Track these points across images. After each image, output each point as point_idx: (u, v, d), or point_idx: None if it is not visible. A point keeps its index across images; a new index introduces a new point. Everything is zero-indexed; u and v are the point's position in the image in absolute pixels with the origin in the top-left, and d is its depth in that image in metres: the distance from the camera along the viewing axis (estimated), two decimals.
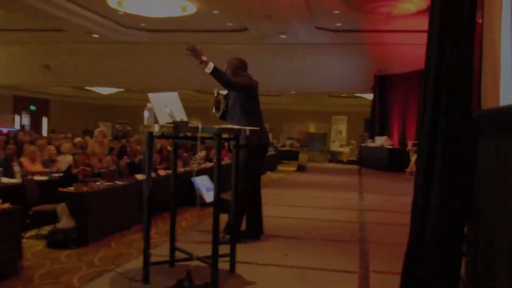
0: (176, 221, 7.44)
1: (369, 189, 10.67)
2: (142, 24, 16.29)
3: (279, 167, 20.00)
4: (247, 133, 3.89)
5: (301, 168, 17.25)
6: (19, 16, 14.88)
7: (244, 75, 5.23)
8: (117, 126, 11.39)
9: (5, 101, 23.51)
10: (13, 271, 5.64)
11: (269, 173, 18.22)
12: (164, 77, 18.74)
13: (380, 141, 16.81)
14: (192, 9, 13.97)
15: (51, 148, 9.93)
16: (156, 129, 3.74)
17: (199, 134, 3.60)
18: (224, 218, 5.53)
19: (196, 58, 4.54)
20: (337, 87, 18.90)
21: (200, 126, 3.56)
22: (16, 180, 7.77)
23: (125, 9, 14.06)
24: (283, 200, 8.58)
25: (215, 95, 5.10)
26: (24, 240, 7.10)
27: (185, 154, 12.34)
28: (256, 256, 4.61)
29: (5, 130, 19.64)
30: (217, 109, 5.20)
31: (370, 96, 19.30)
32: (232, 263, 4.04)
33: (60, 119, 26.84)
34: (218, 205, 3.53)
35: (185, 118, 3.71)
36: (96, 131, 11.02)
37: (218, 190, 3.55)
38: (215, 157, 3.59)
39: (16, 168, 8.21)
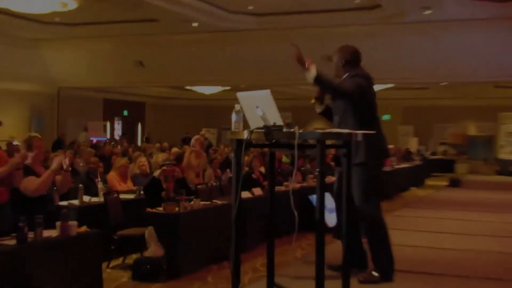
0: (286, 250, 7.57)
1: None
2: (250, 7, 16.61)
3: (428, 181, 19.51)
4: (359, 138, 3.86)
5: (454, 183, 16.74)
6: (105, 6, 15.83)
7: (355, 74, 5.17)
8: (201, 133, 11.82)
9: (95, 105, 25.08)
10: None
11: (413, 189, 17.85)
12: (278, 70, 18.98)
13: None
14: None
15: (142, 160, 10.41)
16: (245, 135, 3.83)
17: (296, 141, 3.62)
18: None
19: (299, 62, 4.68)
20: (505, 75, 17.98)
21: (297, 131, 3.60)
22: (99, 199, 8.24)
23: None
24: (424, 225, 8.37)
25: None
26: (107, 270, 7.57)
27: (308, 165, 12.45)
28: None
29: (94, 140, 21.08)
30: (319, 100, 5.17)
31: None
32: None
33: (157, 125, 28.27)
34: (320, 231, 3.54)
35: (279, 121, 3.77)
36: (193, 139, 11.44)
37: (321, 212, 3.56)
38: (317, 170, 3.61)
39: (100, 185, 8.72)
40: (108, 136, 25.01)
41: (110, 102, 26.10)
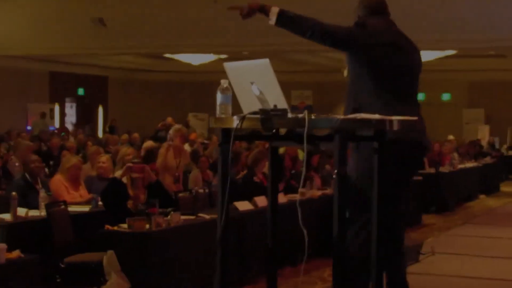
0: (302, 283, 7.60)
1: None
2: None
3: (503, 187, 19.49)
4: (396, 126, 3.86)
5: None
6: None
7: (359, 23, 5.05)
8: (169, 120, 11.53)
9: (37, 81, 25.19)
10: None
11: (482, 197, 17.82)
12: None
13: None
14: None
15: (102, 159, 10.40)
16: (235, 123, 3.84)
17: (306, 131, 3.62)
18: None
19: (253, 12, 4.59)
20: None
21: (306, 116, 3.60)
22: (40, 212, 8.25)
23: None
24: (494, 248, 8.38)
25: None
26: None
27: (327, 166, 12.45)
28: None
29: (36, 130, 21.15)
30: None
31: None
32: None
33: (125, 110, 28.39)
34: (339, 257, 3.56)
35: (282, 104, 3.76)
36: (173, 130, 11.46)
37: (340, 232, 3.58)
38: (335, 171, 3.61)
39: (42, 193, 8.71)
40: (57, 124, 25.00)
41: (59, 77, 26.25)
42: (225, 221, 3.96)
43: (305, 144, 3.67)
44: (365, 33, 4.91)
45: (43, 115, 23.04)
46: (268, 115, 3.74)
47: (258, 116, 3.79)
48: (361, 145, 4.78)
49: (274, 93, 3.85)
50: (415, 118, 4.63)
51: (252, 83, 3.90)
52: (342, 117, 3.80)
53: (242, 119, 3.84)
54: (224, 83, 4.02)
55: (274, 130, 3.96)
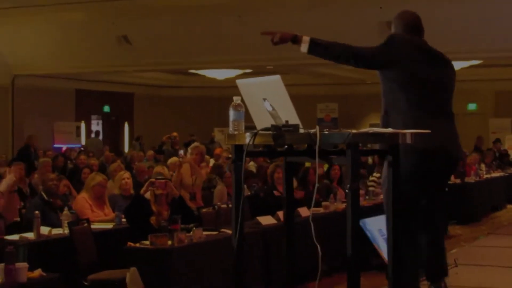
0: None
1: None
2: None
3: None
4: (409, 139, 3.85)
5: None
6: None
7: (388, 42, 5.14)
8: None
9: (64, 99, 25.27)
10: None
11: (510, 206, 17.68)
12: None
13: None
14: None
15: (126, 175, 10.41)
16: (247, 139, 3.85)
17: (318, 146, 3.62)
18: None
19: (285, 42, 4.75)
20: None
21: (318, 132, 3.60)
22: (63, 230, 8.28)
23: None
24: None
25: None
26: None
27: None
28: None
29: (64, 147, 21.26)
30: None
31: None
32: None
33: (150, 126, 28.38)
34: (354, 272, 3.55)
35: (294, 119, 3.77)
36: (191, 147, 11.49)
37: (354, 247, 3.57)
38: (348, 186, 3.61)
39: (65, 212, 8.74)
40: (83, 142, 25.07)
41: (85, 95, 26.33)
42: (240, 236, 3.96)
43: (317, 159, 3.68)
44: (392, 51, 5.02)
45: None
46: (279, 131, 3.75)
47: (270, 132, 3.80)
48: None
49: (286, 109, 3.86)
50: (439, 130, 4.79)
51: (264, 100, 3.92)
52: (354, 131, 3.79)
53: (254, 135, 3.85)
54: (236, 99, 4.03)
55: (286, 146, 3.96)
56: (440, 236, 5.91)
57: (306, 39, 4.67)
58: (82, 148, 20.64)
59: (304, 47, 4.66)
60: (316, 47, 4.70)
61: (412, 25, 5.32)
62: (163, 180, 8.83)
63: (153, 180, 8.78)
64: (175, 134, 19.99)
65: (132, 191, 10.01)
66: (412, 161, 4.98)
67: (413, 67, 5.00)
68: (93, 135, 24.31)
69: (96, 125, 27.36)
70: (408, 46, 5.10)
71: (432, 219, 5.62)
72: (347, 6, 18.04)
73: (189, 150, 11.40)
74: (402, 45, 5.08)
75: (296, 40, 4.73)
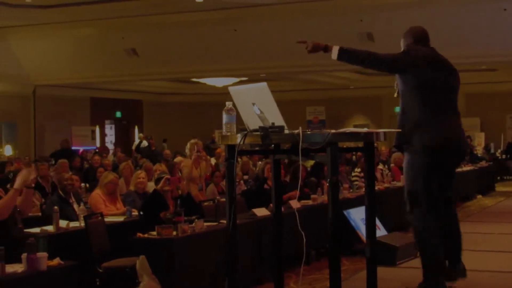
0: (314, 279, 7.59)
1: None
2: None
3: (498, 187, 19.34)
4: (382, 138, 3.90)
5: None
6: None
7: (405, 51, 5.54)
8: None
9: (79, 107, 25.38)
10: None
11: (479, 197, 17.71)
12: (306, 54, 18.90)
13: None
14: None
15: (142, 174, 10.40)
16: (238, 139, 3.88)
17: (300, 145, 3.65)
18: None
19: (317, 50, 5.03)
20: None
21: (300, 132, 3.63)
22: (79, 223, 8.31)
23: None
24: (489, 243, 8.33)
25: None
26: None
27: (344, 171, 12.44)
28: None
29: (81, 150, 21.24)
30: None
31: None
32: None
33: (158, 129, 28.30)
34: (334, 254, 3.57)
35: (280, 121, 3.79)
36: (189, 144, 11.50)
37: (335, 235, 3.59)
38: (329, 180, 3.64)
39: (81, 206, 8.77)
40: (98, 144, 25.07)
41: (98, 102, 26.33)
42: (233, 223, 3.99)
43: (300, 157, 3.72)
44: (409, 58, 5.53)
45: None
46: (266, 132, 3.78)
47: (258, 132, 3.83)
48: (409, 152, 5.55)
49: (272, 112, 3.88)
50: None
51: (253, 104, 3.94)
52: (333, 131, 3.84)
53: (245, 136, 3.88)
54: (228, 104, 4.07)
55: (272, 145, 3.99)
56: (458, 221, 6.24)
57: (336, 47, 4.98)
58: (97, 150, 20.60)
59: (334, 55, 4.98)
60: (345, 54, 5.03)
61: (420, 37, 5.77)
62: (176, 177, 8.92)
63: (169, 177, 8.88)
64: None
65: (146, 189, 10.04)
66: (425, 155, 5.31)
67: (426, 72, 5.39)
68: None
69: (110, 129, 27.38)
70: (421, 55, 5.52)
71: (450, 206, 5.92)
72: (331, 18, 18.02)
73: (189, 146, 11.43)
74: (416, 54, 5.52)
75: (327, 49, 5.03)
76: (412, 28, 5.91)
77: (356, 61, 5.25)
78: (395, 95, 5.77)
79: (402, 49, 5.74)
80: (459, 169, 17.55)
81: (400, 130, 5.04)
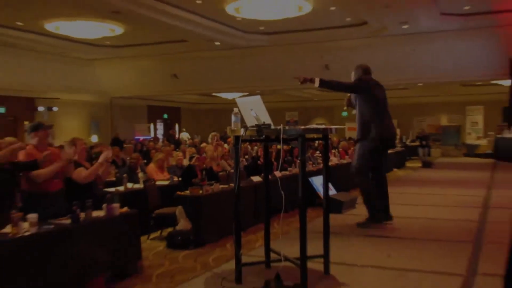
0: (290, 222, 7.58)
1: (501, 185, 9.92)
2: (261, 28, 16.62)
3: (408, 164, 19.36)
4: (334, 131, 3.89)
5: (426, 164, 16.53)
6: (145, 31, 15.98)
7: (360, 79, 5.57)
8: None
9: (140, 111, 25.29)
10: (133, 270, 6.10)
11: (395, 170, 17.72)
12: (286, 78, 18.87)
13: None
14: (308, 8, 13.89)
15: (179, 154, 10.42)
16: (242, 132, 3.86)
17: (282, 136, 3.64)
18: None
19: (306, 82, 5.07)
20: (468, 75, 17.79)
21: (281, 128, 3.62)
22: (140, 185, 8.32)
23: (243, 14, 14.40)
24: (401, 199, 8.29)
25: (349, 94, 5.51)
26: (147, 241, 7.66)
27: (309, 154, 12.46)
28: (355, 257, 4.55)
29: (141, 138, 21.21)
30: (351, 106, 5.62)
31: (507, 83, 17.95)
32: (326, 264, 4.03)
33: (191, 126, 28.36)
34: (303, 206, 3.56)
35: (268, 121, 3.79)
36: (211, 135, 11.48)
37: (303, 193, 3.58)
38: (299, 158, 3.62)
39: (140, 174, 8.80)
40: (152, 135, 25.08)
41: (152, 108, 26.24)
42: (238, 186, 3.98)
43: (281, 143, 3.71)
44: (363, 84, 5.48)
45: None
46: (260, 128, 3.76)
47: (255, 128, 3.82)
48: (359, 142, 5.76)
49: (264, 115, 3.86)
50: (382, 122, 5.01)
51: (251, 110, 3.93)
52: (302, 127, 3.82)
53: (246, 130, 3.87)
54: (235, 110, 4.05)
55: (263, 136, 3.98)
56: (387, 184, 6.34)
57: (317, 79, 5.05)
58: (151, 139, 20.56)
59: (316, 84, 5.06)
60: (324, 83, 5.20)
61: (366, 70, 5.85)
62: (203, 157, 8.93)
63: (198, 156, 8.91)
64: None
65: (183, 164, 10.02)
66: (375, 142, 5.36)
67: (373, 91, 5.36)
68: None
69: (159, 126, 27.25)
70: (369, 81, 5.53)
71: (382, 175, 6.00)
72: (303, 55, 18.04)
73: (210, 136, 11.46)
74: (366, 81, 5.54)
75: (312, 81, 5.09)
76: (361, 65, 5.93)
77: (331, 87, 5.36)
78: (344, 108, 5.83)
79: (355, 78, 5.81)
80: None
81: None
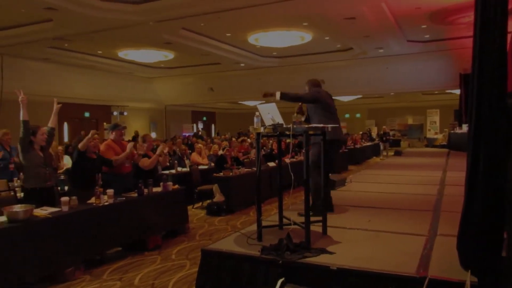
0: (298, 196, 7.55)
1: (454, 168, 9.73)
2: (274, 53, 16.56)
3: (383, 153, 19.11)
4: (329, 129, 3.84)
5: (397, 153, 16.36)
6: (189, 56, 16.05)
7: (313, 90, 5.05)
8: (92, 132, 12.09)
9: (186, 115, 25.38)
10: (183, 231, 6.17)
11: (374, 157, 17.54)
12: (292, 90, 18.81)
13: (467, 128, 15.24)
14: (308, 38, 13.92)
15: (215, 146, 10.46)
16: (262, 130, 3.84)
17: (291, 132, 3.61)
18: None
19: (270, 96, 4.56)
20: (428, 86, 17.57)
21: (291, 126, 3.59)
22: (187, 169, 8.36)
23: (261, 43, 14.45)
24: (377, 179, 8.22)
25: (300, 103, 4.97)
26: (192, 210, 7.71)
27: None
28: (345, 222, 4.51)
29: (186, 135, 21.28)
30: (301, 113, 5.03)
31: (458, 91, 17.65)
32: (324, 227, 4.00)
33: (224, 125, 28.39)
34: (307, 186, 3.53)
35: (281, 121, 3.76)
36: (237, 133, 11.39)
37: (307, 174, 3.55)
38: (304, 149, 3.59)
39: (187, 161, 8.83)
40: (194, 130, 25.17)
41: (195, 113, 26.17)
42: (259, 170, 3.94)
43: (291, 138, 3.66)
44: (316, 95, 4.90)
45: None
46: (275, 126, 3.73)
47: (271, 127, 3.79)
48: (314, 141, 4.86)
49: (278, 117, 3.82)
50: (336, 125, 4.69)
51: (268, 113, 3.89)
52: (308, 125, 3.77)
53: (264, 128, 3.83)
54: (257, 113, 4.01)
55: (278, 132, 3.92)
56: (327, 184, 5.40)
57: (278, 92, 4.45)
58: (193, 135, 20.62)
59: (278, 97, 4.45)
60: (284, 96, 4.49)
61: (317, 83, 5.14)
62: (231, 148, 8.89)
63: (228, 148, 8.88)
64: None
65: (218, 153, 9.99)
66: (325, 144, 4.88)
67: (325, 100, 4.93)
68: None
69: (200, 125, 27.25)
70: (320, 92, 5.00)
71: (328, 172, 5.39)
72: (303, 72, 17.86)
73: (236, 135, 11.35)
74: (318, 91, 4.99)
75: (273, 94, 4.54)
76: (312, 79, 5.17)
77: (290, 99, 4.60)
78: (294, 114, 5.10)
79: (308, 90, 5.07)
80: (368, 143, 17.44)
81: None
